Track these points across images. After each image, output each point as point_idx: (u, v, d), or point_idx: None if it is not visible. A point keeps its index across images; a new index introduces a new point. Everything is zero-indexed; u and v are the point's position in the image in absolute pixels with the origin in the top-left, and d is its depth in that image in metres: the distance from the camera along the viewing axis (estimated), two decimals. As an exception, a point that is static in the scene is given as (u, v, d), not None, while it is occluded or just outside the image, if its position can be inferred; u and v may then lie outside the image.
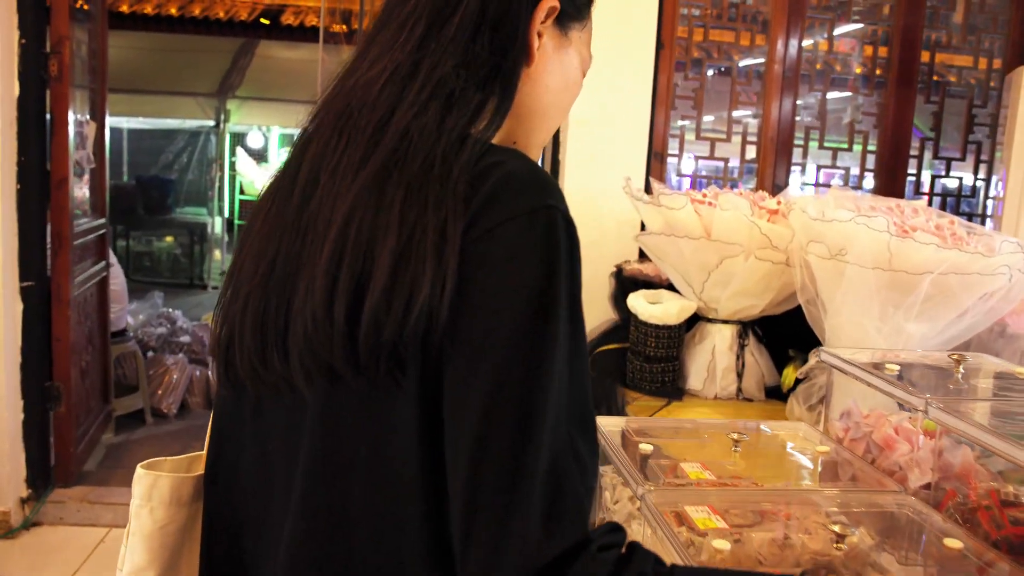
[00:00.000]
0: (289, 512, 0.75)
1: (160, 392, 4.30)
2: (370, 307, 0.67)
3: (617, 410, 2.33)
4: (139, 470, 0.87)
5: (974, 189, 3.08)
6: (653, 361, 2.24)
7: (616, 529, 0.66)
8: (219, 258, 9.18)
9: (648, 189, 2.72)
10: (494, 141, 0.79)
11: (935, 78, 3.05)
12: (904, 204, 2.03)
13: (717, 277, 2.11)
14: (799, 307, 2.10)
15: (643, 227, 2.75)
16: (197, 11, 9.74)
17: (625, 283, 2.53)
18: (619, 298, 2.55)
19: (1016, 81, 2.77)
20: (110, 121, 9.63)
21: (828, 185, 3.03)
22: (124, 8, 9.48)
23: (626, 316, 2.41)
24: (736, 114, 2.97)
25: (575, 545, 0.61)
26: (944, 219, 1.93)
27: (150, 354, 4.48)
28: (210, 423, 0.90)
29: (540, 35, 0.82)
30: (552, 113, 0.88)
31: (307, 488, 0.74)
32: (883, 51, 2.99)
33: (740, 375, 2.25)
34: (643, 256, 2.68)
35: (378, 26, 0.82)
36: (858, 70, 3.02)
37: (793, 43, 2.86)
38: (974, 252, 1.72)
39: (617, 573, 0.61)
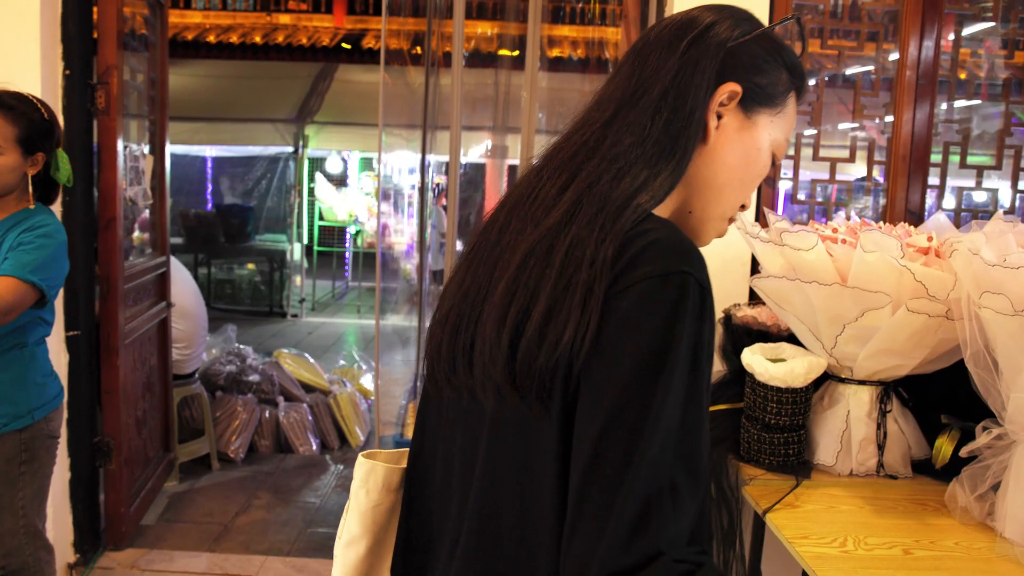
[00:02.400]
0: (465, 508, 0.90)
1: (227, 435, 4.09)
2: (527, 338, 0.81)
3: (730, 489, 1.96)
4: (360, 458, 1.03)
5: None
6: (774, 430, 1.86)
7: (700, 552, 0.73)
8: (299, 285, 9.09)
9: (758, 218, 2.34)
10: (669, 211, 0.93)
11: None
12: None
13: (854, 331, 1.72)
14: (956, 366, 1.71)
15: (753, 263, 2.37)
16: (280, 38, 9.78)
17: (736, 332, 2.16)
18: (729, 350, 2.18)
19: None
20: (193, 150, 9.71)
21: (968, 210, 2.59)
22: (211, 38, 9.58)
23: (736, 368, 2.04)
24: (857, 132, 2.57)
25: (651, 556, 0.70)
26: None
27: (218, 394, 4.29)
28: (415, 421, 1.05)
29: (721, 116, 0.92)
30: (730, 189, 0.95)
31: (478, 488, 0.88)
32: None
33: (881, 447, 1.85)
34: (754, 297, 2.31)
35: (589, 103, 0.95)
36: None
37: (928, 44, 2.44)
38: None
39: None
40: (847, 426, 1.84)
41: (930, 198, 2.54)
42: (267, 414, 4.33)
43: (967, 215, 2.58)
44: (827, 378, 1.91)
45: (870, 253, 1.61)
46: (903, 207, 2.52)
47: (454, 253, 2.62)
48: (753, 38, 0.93)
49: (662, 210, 0.91)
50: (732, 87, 0.91)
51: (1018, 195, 2.55)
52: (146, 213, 3.41)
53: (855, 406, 1.84)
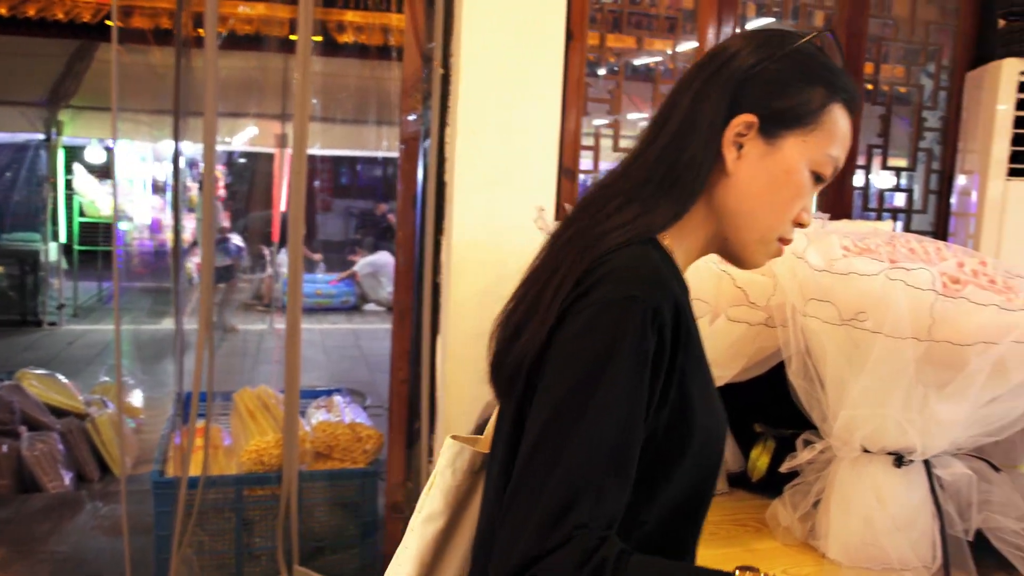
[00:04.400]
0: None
1: (-48, 477, 3.44)
2: (500, 350, 0.98)
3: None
4: (448, 440, 1.10)
5: (925, 202, 2.67)
6: (586, 454, 1.67)
7: (605, 539, 0.80)
8: (57, 289, 8.11)
9: (560, 217, 2.15)
10: (703, 241, 1.00)
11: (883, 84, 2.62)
12: (900, 237, 1.55)
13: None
14: (769, 371, 1.60)
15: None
16: (32, 11, 8.63)
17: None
18: (532, 362, 1.97)
19: (982, 81, 2.36)
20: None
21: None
22: (-55, 9, 8.29)
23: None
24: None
25: (562, 543, 0.78)
26: (974, 259, 1.43)
27: (-59, 428, 3.61)
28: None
29: (741, 146, 0.95)
30: (761, 214, 0.97)
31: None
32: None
33: (698, 464, 1.70)
34: (558, 302, 2.12)
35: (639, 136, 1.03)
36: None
37: (726, 32, 2.35)
38: (1047, 313, 1.23)
39: (586, 557, 0.78)
40: (663, 443, 1.68)
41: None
42: (5, 448, 3.69)
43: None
44: (640, 391, 1.74)
45: (688, 258, 1.45)
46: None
47: (212, 247, 2.25)
48: (777, 60, 0.94)
49: (693, 241, 0.99)
50: (746, 118, 0.93)
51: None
52: None
53: (670, 421, 1.69)
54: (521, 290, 0.98)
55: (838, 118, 0.96)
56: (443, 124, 2.24)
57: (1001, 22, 2.31)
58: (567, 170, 2.28)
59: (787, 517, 1.52)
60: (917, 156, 2.64)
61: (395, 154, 2.43)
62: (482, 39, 2.14)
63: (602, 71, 2.43)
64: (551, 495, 0.80)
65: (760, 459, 1.73)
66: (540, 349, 0.88)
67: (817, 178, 0.97)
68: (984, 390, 1.31)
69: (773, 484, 1.63)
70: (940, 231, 2.63)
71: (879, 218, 2.68)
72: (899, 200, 2.73)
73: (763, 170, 0.94)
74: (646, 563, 0.82)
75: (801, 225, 1.00)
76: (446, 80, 2.23)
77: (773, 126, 0.94)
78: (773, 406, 1.65)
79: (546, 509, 0.80)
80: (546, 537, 0.79)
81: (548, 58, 2.16)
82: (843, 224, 1.86)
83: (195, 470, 2.45)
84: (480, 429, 2.17)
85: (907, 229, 2.67)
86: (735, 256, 1.01)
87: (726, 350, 1.53)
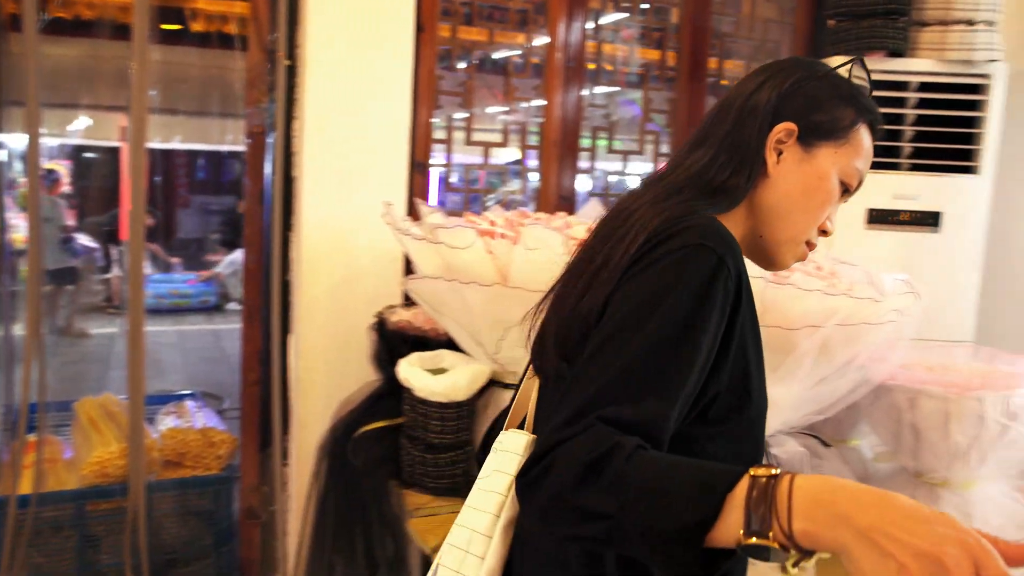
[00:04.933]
0: None
1: None
2: (567, 316, 0.98)
3: (389, 522, 1.73)
4: (529, 436, 1.02)
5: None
6: (439, 450, 1.66)
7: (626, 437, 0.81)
8: None
9: (411, 212, 2.12)
10: (739, 235, 1.04)
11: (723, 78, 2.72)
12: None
13: (520, 335, 1.55)
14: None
15: (407, 261, 2.15)
16: None
17: (390, 339, 1.93)
18: (384, 359, 1.94)
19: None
20: None
21: (615, 196, 2.60)
22: None
23: (392, 379, 1.81)
24: (509, 116, 2.46)
25: (582, 431, 0.81)
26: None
27: None
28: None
29: (781, 152, 1.04)
30: (795, 215, 1.05)
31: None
32: (665, 52, 2.60)
33: (551, 455, 1.72)
34: (410, 299, 2.09)
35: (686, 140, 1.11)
36: (657, 69, 2.60)
37: (577, 26, 2.38)
38: (865, 297, 1.29)
39: (599, 442, 0.79)
40: (515, 436, 1.69)
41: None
42: None
43: (614, 200, 2.59)
44: (491, 384, 1.74)
45: (533, 250, 1.45)
46: (556, 191, 2.46)
47: (38, 246, 2.11)
48: (816, 80, 1.04)
49: (735, 235, 0.99)
50: (787, 126, 1.02)
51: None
52: None
53: (523, 413, 1.69)
54: (576, 266, 1.00)
55: (864, 136, 1.06)
56: (289, 117, 2.16)
57: (830, 22, 2.43)
58: (418, 164, 2.25)
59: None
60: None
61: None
62: (329, 30, 2.08)
63: (462, 64, 2.41)
64: (588, 393, 0.83)
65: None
66: (607, 301, 0.90)
67: (844, 190, 1.06)
68: (812, 371, 1.38)
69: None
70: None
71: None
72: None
73: (800, 174, 1.03)
74: (658, 456, 0.80)
75: (825, 233, 1.08)
76: (292, 72, 2.16)
77: (810, 136, 1.03)
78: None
79: (579, 404, 0.83)
80: (571, 425, 0.82)
81: (398, 50, 2.12)
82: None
83: (30, 487, 2.28)
84: (336, 429, 2.11)
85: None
86: (766, 254, 1.08)
87: (573, 341, 1.55)
